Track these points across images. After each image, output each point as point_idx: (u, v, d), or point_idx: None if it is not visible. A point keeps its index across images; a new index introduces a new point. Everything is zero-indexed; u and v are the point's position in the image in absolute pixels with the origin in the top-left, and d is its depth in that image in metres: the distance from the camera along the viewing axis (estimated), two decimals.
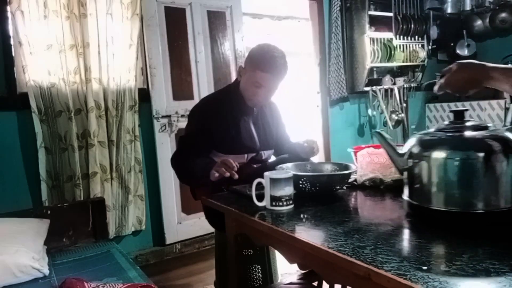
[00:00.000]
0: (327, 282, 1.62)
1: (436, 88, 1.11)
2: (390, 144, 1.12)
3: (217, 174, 1.44)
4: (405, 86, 4.06)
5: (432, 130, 1.05)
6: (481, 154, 0.90)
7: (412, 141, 1.04)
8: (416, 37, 4.01)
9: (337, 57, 3.69)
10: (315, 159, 1.75)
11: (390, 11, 3.85)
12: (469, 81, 1.05)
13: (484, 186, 0.91)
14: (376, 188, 1.38)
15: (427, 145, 0.99)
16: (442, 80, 1.10)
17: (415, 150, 1.01)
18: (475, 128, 0.97)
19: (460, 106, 3.91)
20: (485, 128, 0.97)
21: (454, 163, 0.92)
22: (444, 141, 0.97)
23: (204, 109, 1.71)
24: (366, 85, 3.82)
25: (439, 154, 0.95)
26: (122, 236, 2.70)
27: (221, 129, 1.66)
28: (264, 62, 1.57)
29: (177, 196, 2.91)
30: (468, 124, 1.00)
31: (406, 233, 0.89)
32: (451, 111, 1.09)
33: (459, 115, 1.04)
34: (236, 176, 1.40)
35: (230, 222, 1.31)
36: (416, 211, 1.02)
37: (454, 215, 0.92)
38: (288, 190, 1.17)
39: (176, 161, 1.66)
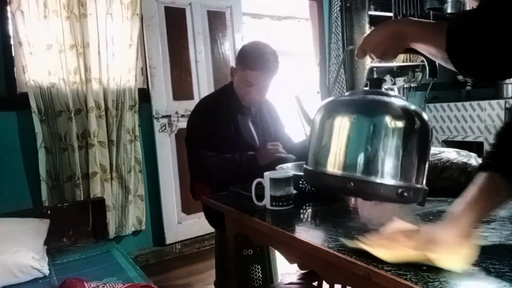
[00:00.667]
0: (327, 282, 1.62)
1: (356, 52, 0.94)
2: (305, 110, 1.05)
3: (276, 154, 1.56)
4: (405, 86, 4.06)
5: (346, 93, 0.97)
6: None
7: (320, 105, 0.96)
8: None
9: (337, 57, 3.69)
10: None
11: (390, 11, 3.85)
12: (388, 39, 0.85)
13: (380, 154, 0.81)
14: None
15: (329, 108, 0.91)
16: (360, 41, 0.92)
17: (318, 114, 0.93)
18: (379, 93, 0.89)
19: (460, 106, 3.94)
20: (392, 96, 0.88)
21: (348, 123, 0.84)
22: (342, 103, 0.90)
23: (205, 110, 1.72)
24: (366, 85, 3.81)
25: (337, 116, 0.87)
26: (122, 236, 2.70)
27: (222, 128, 1.67)
28: (253, 60, 1.57)
29: (177, 196, 2.91)
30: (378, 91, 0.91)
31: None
32: (367, 79, 1.01)
33: (376, 83, 0.94)
34: (285, 152, 1.59)
35: (230, 222, 1.31)
36: (310, 177, 0.95)
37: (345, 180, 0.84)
38: (288, 190, 1.17)
39: (207, 166, 1.61)
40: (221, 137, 1.66)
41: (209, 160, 1.60)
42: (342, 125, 0.85)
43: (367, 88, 0.95)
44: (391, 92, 0.91)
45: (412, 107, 0.86)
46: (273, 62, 1.59)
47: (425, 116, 0.87)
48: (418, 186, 0.85)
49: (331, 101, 0.94)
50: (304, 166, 0.96)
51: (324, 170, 0.87)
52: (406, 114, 0.83)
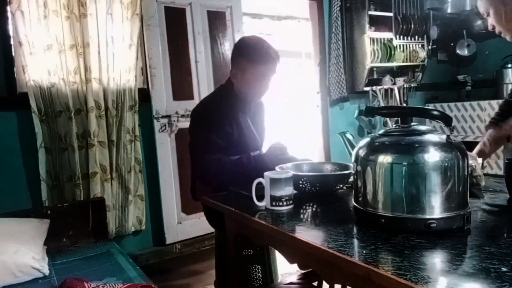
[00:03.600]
0: (327, 282, 1.62)
1: None
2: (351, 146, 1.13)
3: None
4: (405, 86, 4.06)
5: (378, 133, 1.02)
6: (427, 159, 0.88)
7: (359, 146, 1.02)
8: (416, 37, 4.01)
9: (337, 57, 3.69)
10: (314, 158, 1.76)
11: (390, 11, 3.85)
12: None
13: (432, 192, 0.88)
14: None
15: (372, 150, 0.97)
16: None
17: (361, 154, 0.99)
18: (420, 133, 0.94)
19: (460, 106, 3.95)
20: (431, 132, 0.95)
21: (399, 168, 0.90)
22: (389, 146, 0.95)
23: (206, 113, 1.71)
24: (366, 85, 3.82)
25: (384, 159, 0.92)
26: (122, 236, 2.70)
27: (225, 129, 1.66)
28: (261, 55, 1.63)
29: (177, 196, 2.91)
30: (414, 128, 0.98)
31: (406, 234, 0.89)
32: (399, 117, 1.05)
33: (406, 120, 1.02)
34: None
35: (230, 222, 1.31)
36: (363, 216, 1.00)
37: (401, 221, 0.90)
38: (288, 190, 1.17)
39: (214, 169, 1.60)
40: (225, 137, 1.66)
41: (216, 163, 1.59)
42: (384, 169, 0.93)
43: (399, 126, 1.02)
44: (422, 127, 0.97)
45: (444, 139, 0.92)
46: (274, 50, 1.68)
47: (458, 143, 0.93)
48: (455, 213, 0.89)
49: (370, 143, 0.99)
50: (354, 204, 1.03)
51: (375, 211, 0.94)
52: (442, 150, 0.90)
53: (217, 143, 1.63)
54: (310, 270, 1.72)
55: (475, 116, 3.85)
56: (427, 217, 0.88)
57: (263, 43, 1.66)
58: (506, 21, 1.39)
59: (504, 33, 1.45)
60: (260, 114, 1.87)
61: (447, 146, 0.90)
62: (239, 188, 1.40)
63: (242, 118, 1.72)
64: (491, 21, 1.43)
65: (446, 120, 0.97)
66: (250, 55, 1.64)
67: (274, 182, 1.17)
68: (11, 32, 2.31)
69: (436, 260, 0.78)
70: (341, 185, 1.34)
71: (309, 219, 1.10)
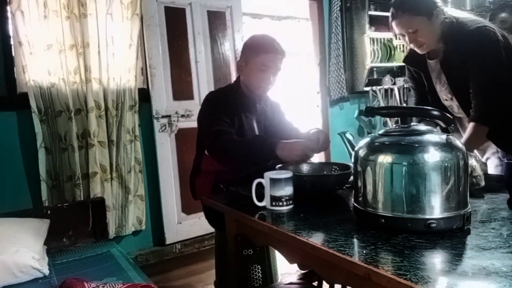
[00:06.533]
0: (327, 282, 1.62)
1: None
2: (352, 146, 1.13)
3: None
4: (405, 86, 4.06)
5: (378, 133, 1.01)
6: (426, 159, 0.87)
7: (359, 146, 1.02)
8: None
9: (337, 57, 3.69)
10: (314, 158, 1.74)
11: None
12: None
13: (433, 192, 0.88)
14: None
15: (372, 150, 0.96)
16: None
17: (361, 154, 0.98)
18: (420, 133, 0.94)
19: None
20: (431, 132, 0.95)
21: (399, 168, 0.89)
22: (388, 146, 0.94)
23: (214, 99, 1.73)
24: (366, 85, 3.82)
25: (384, 159, 0.92)
26: (122, 236, 2.70)
27: (229, 119, 1.66)
28: (265, 45, 1.66)
29: (177, 196, 2.91)
30: (414, 128, 0.97)
31: (406, 234, 0.89)
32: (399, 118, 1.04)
33: (405, 120, 1.01)
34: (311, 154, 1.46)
35: (230, 222, 1.31)
36: (363, 216, 0.99)
37: (401, 221, 0.89)
38: (288, 190, 1.17)
39: (221, 145, 1.54)
40: (230, 120, 1.66)
41: (223, 133, 1.55)
42: (384, 169, 0.92)
43: (399, 126, 1.02)
44: (422, 127, 0.97)
45: (444, 139, 0.92)
46: (281, 46, 1.69)
47: (457, 143, 0.93)
48: (455, 213, 0.89)
49: (370, 143, 0.99)
50: (354, 204, 1.02)
51: (375, 211, 0.94)
52: (442, 150, 0.89)
53: (223, 119, 1.62)
54: (310, 270, 1.72)
55: None
56: (427, 217, 0.88)
57: (270, 37, 1.70)
58: (431, 37, 1.54)
59: (425, 48, 1.58)
60: (271, 115, 1.84)
61: (447, 146, 0.90)
62: (239, 188, 1.40)
63: (245, 115, 1.72)
64: (416, 37, 1.54)
65: (446, 120, 0.97)
66: (254, 44, 1.69)
67: (274, 182, 1.16)
68: (11, 32, 2.31)
69: (436, 260, 0.78)
70: (341, 185, 1.34)
71: (309, 219, 1.10)
